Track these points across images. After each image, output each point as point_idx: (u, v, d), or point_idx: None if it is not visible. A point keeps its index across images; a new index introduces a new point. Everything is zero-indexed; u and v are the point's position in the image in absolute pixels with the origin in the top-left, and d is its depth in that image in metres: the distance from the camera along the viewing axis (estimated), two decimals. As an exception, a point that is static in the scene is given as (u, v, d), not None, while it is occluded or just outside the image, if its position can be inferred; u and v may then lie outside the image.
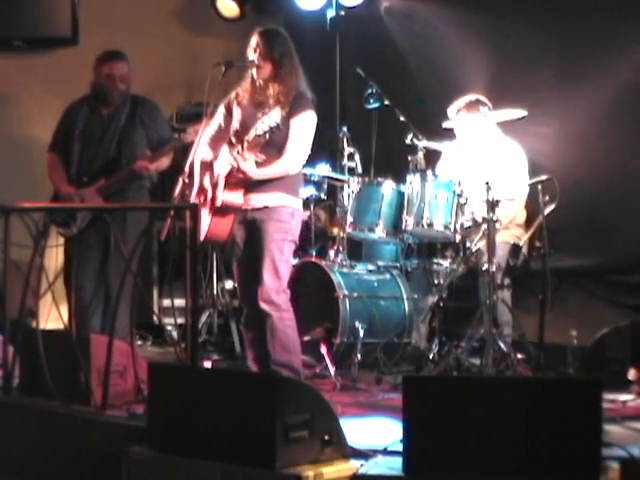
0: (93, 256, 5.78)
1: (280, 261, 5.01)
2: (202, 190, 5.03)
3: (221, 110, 5.24)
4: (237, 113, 5.19)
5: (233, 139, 5.15)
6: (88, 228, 5.75)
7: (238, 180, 4.99)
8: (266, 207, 5.03)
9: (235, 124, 5.18)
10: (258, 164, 4.97)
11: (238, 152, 4.96)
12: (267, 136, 4.88)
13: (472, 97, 6.04)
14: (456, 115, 6.06)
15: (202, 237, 5.01)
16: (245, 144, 4.95)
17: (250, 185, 5.02)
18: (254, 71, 5.09)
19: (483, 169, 5.51)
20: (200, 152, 5.11)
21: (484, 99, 6.01)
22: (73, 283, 5.10)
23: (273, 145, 5.01)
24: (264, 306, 5.01)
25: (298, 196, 5.15)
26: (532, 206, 5.94)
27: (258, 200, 5.04)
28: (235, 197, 5.00)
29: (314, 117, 5.09)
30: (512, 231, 5.95)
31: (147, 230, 4.78)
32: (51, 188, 6.03)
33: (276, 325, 5.02)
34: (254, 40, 5.10)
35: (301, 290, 5.81)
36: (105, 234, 5.61)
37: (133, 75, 6.02)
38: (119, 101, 5.95)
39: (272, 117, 4.93)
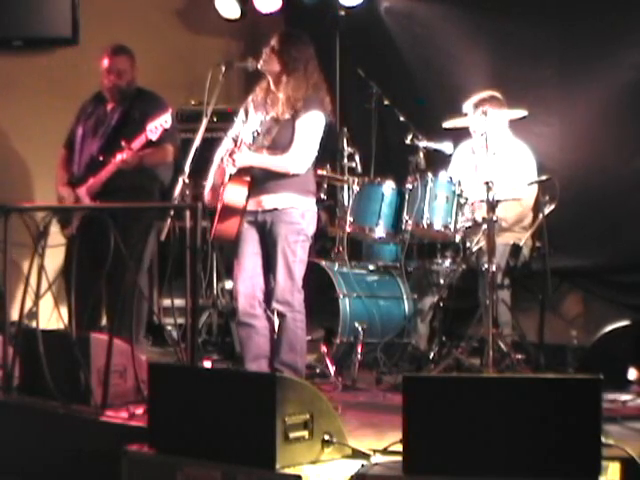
0: (91, 256, 5.73)
1: (293, 262, 5.02)
2: (215, 190, 5.07)
3: (240, 115, 5.26)
4: (252, 115, 5.20)
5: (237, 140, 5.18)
6: (87, 228, 5.72)
7: (242, 181, 5.00)
8: (276, 209, 5.03)
9: (248, 126, 5.18)
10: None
11: (233, 152, 4.99)
12: (252, 143, 4.94)
13: (491, 92, 5.97)
14: (474, 108, 5.85)
15: (211, 237, 5.05)
16: (241, 145, 4.98)
17: (259, 186, 5.03)
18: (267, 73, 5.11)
19: (492, 168, 5.43)
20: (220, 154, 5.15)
21: (500, 97, 5.96)
22: (74, 283, 5.08)
23: (279, 147, 5.02)
24: (278, 307, 5.03)
25: (309, 196, 5.13)
26: (533, 206, 5.95)
27: (268, 202, 5.05)
28: (238, 198, 5.01)
29: (320, 117, 5.06)
30: (516, 233, 5.94)
31: (146, 230, 4.78)
32: (51, 187, 6.04)
33: (288, 325, 5.04)
34: (273, 39, 5.11)
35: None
36: (102, 234, 5.55)
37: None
38: (119, 97, 5.92)
39: (254, 124, 4.99)
